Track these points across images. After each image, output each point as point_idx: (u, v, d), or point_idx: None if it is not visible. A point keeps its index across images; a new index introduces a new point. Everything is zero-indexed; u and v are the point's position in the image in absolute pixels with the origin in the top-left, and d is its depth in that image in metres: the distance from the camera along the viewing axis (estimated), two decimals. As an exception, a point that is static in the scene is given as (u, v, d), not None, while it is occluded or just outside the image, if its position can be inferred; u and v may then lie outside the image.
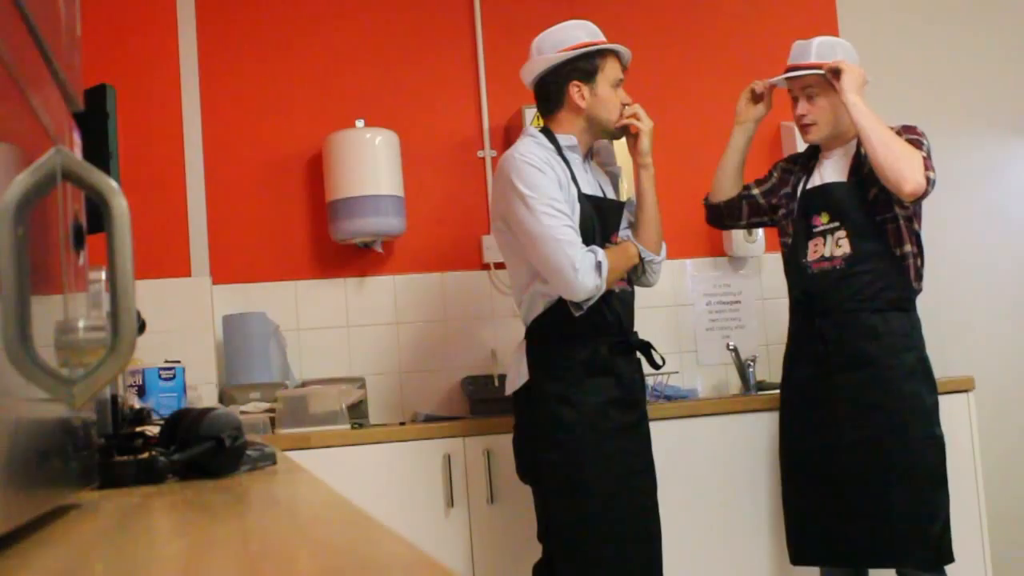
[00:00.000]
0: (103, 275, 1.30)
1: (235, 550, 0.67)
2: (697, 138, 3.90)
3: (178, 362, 2.88)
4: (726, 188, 3.19)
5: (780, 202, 3.12)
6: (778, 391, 3.19)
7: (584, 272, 2.60)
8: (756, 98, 3.13)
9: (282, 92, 3.76)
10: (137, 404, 2.19)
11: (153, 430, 1.44)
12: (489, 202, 3.85)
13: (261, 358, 3.41)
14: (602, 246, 2.70)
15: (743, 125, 3.15)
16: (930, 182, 2.74)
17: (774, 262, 3.47)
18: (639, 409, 2.83)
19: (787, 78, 2.99)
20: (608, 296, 2.71)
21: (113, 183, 0.76)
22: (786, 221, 3.07)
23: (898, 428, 2.82)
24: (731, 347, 3.81)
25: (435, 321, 3.77)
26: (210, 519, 0.89)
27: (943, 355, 3.60)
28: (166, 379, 2.79)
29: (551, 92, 2.83)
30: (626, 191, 3.16)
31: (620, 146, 3.08)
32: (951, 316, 4.05)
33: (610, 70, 2.82)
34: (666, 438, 3.06)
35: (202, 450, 1.26)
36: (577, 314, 2.67)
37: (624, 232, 2.91)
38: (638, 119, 2.84)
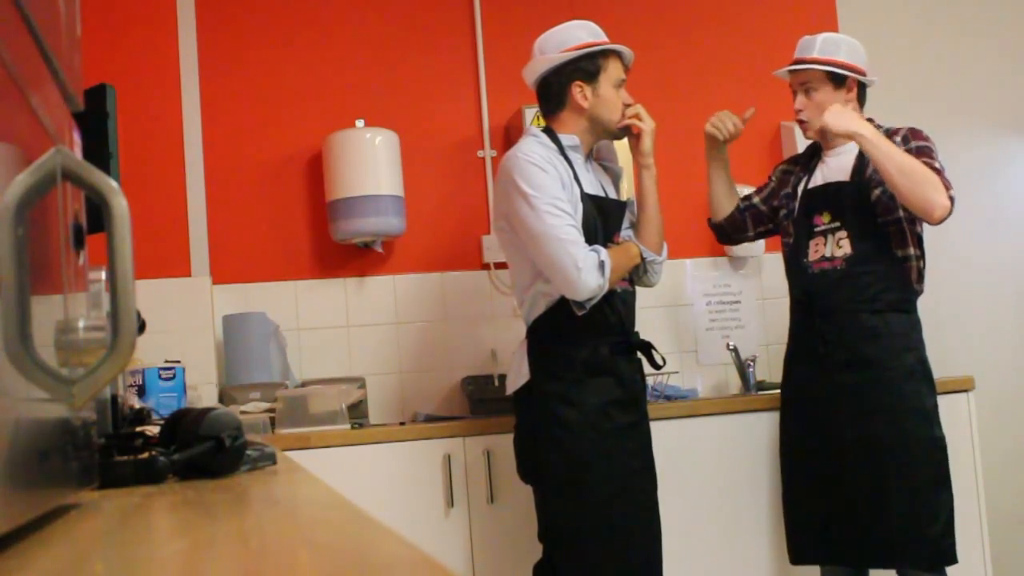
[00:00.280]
0: (103, 275, 1.30)
1: (235, 550, 0.67)
2: (697, 138, 3.89)
3: (178, 362, 2.88)
4: (722, 205, 3.20)
5: (780, 203, 3.12)
6: (778, 391, 3.19)
7: (587, 271, 2.60)
8: (717, 143, 3.10)
9: (282, 92, 3.76)
10: (137, 404, 2.19)
11: (153, 430, 1.44)
12: (490, 202, 3.85)
13: (261, 358, 3.41)
14: (604, 246, 2.70)
15: (714, 161, 3.14)
16: (953, 201, 2.74)
17: (774, 262, 3.47)
18: (640, 409, 2.83)
19: (789, 71, 2.99)
20: (610, 296, 2.71)
21: (113, 183, 0.76)
22: (787, 221, 3.07)
23: (898, 429, 2.82)
24: (731, 347, 3.81)
25: (435, 321, 3.77)
26: (210, 519, 0.89)
27: (943, 355, 3.60)
28: (166, 379, 2.80)
29: (553, 92, 2.84)
30: (626, 191, 3.16)
31: (621, 146, 3.08)
32: (951, 316, 4.05)
33: (613, 70, 2.82)
34: (666, 438, 3.06)
35: (202, 450, 1.26)
36: (580, 313, 2.67)
37: (626, 232, 2.91)
38: (640, 119, 2.85)
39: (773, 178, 3.21)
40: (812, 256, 2.96)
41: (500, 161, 2.85)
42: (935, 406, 2.90)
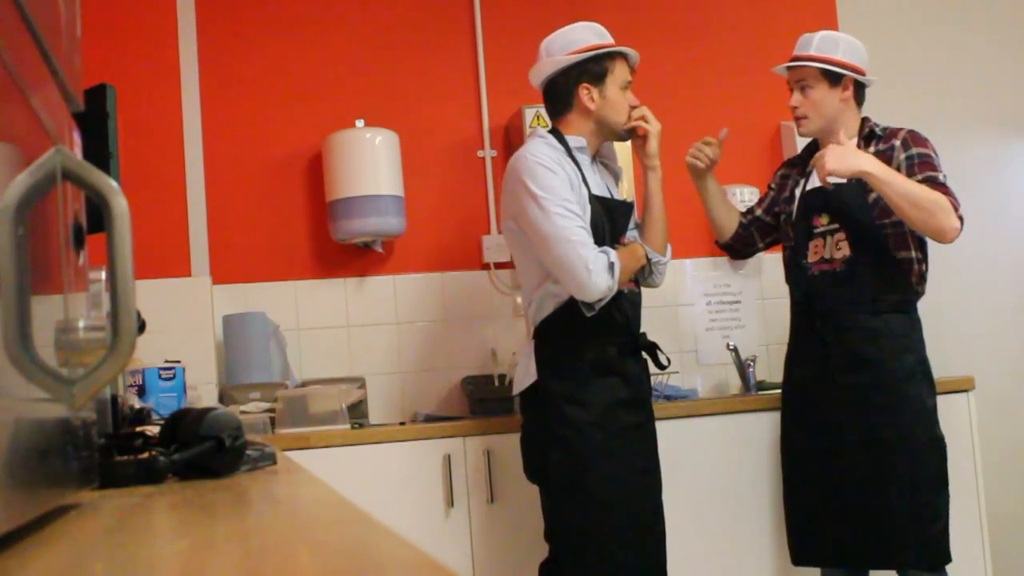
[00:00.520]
0: (103, 275, 1.30)
1: (235, 550, 0.67)
2: (696, 137, 3.89)
3: (178, 362, 2.88)
4: (725, 226, 3.20)
5: (780, 208, 3.12)
6: (778, 391, 3.19)
7: (598, 273, 2.61)
8: (701, 171, 3.10)
9: (282, 92, 3.76)
10: (137, 404, 2.19)
11: (153, 430, 1.44)
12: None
13: (261, 358, 3.41)
14: (612, 247, 2.72)
15: (703, 188, 3.14)
16: (962, 221, 2.74)
17: (774, 262, 3.47)
18: (646, 410, 2.86)
19: (786, 67, 3.00)
20: (618, 297, 2.72)
21: (113, 183, 0.76)
22: (786, 224, 3.07)
23: (899, 430, 2.82)
24: (731, 347, 3.81)
25: (435, 321, 3.77)
26: (210, 519, 0.89)
27: (943, 355, 3.59)
28: (166, 379, 2.79)
29: (560, 94, 2.85)
30: (625, 191, 3.17)
31: (621, 146, 3.09)
32: (951, 316, 4.05)
33: (619, 72, 2.84)
34: (666, 438, 3.05)
35: (202, 450, 1.26)
36: (589, 315, 2.68)
37: (631, 233, 2.92)
38: (646, 121, 2.86)
39: (772, 185, 3.21)
40: (811, 258, 2.96)
41: (508, 162, 2.85)
42: (935, 406, 2.90)
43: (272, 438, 2.97)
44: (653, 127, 2.86)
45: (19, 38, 0.77)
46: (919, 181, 2.76)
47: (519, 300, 2.98)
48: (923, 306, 2.98)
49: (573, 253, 2.62)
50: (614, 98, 2.83)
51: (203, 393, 3.31)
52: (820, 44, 2.93)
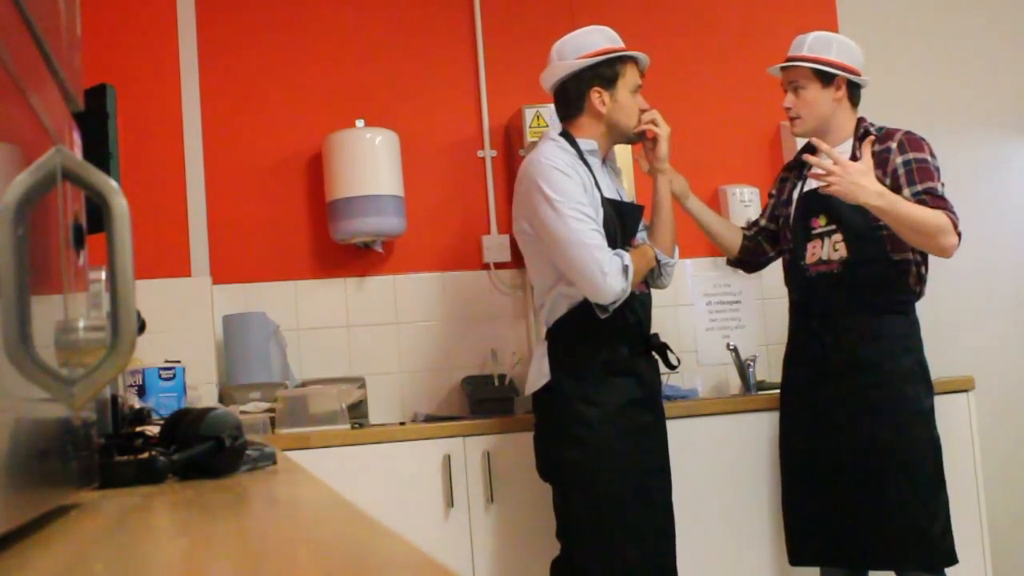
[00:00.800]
0: (103, 275, 1.30)
1: (235, 550, 0.67)
2: (696, 137, 3.90)
3: (178, 362, 2.88)
4: (729, 241, 3.22)
5: (780, 212, 3.12)
6: (778, 391, 3.19)
7: (613, 276, 2.65)
8: (679, 196, 3.11)
9: (282, 92, 3.76)
10: (137, 404, 2.19)
11: (153, 430, 1.44)
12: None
13: (261, 358, 3.41)
14: (624, 249, 2.75)
15: (690, 211, 3.16)
16: (960, 236, 2.75)
17: (774, 263, 3.47)
18: (657, 409, 2.90)
19: (780, 68, 3.00)
20: (630, 299, 2.76)
21: (113, 183, 0.76)
22: (784, 226, 3.07)
23: (897, 431, 2.82)
24: (731, 347, 3.81)
25: (435, 321, 3.77)
26: (210, 519, 0.89)
27: (943, 355, 3.59)
28: (166, 379, 2.79)
29: (572, 97, 2.87)
30: (625, 191, 3.17)
31: (620, 147, 3.09)
32: (951, 316, 4.05)
33: (630, 76, 2.87)
34: (666, 438, 3.06)
35: (202, 450, 1.26)
36: (603, 316, 2.72)
37: (639, 235, 2.95)
38: (656, 125, 2.89)
39: (772, 191, 3.21)
40: (809, 259, 2.96)
41: (520, 165, 2.89)
42: (932, 407, 2.90)
43: (272, 438, 2.97)
44: (663, 130, 2.90)
45: (19, 38, 0.77)
46: (919, 192, 2.76)
47: (535, 301, 3.00)
48: (923, 306, 2.98)
49: (588, 256, 2.65)
50: (625, 102, 2.86)
51: (203, 393, 3.30)
52: (813, 45, 2.94)
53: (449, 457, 3.13)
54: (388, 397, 3.67)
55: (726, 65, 4.10)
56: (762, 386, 3.73)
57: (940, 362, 3.29)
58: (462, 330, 3.78)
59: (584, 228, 2.68)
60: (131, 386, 2.73)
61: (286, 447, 2.85)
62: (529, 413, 3.27)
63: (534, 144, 3.46)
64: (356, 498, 0.90)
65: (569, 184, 2.72)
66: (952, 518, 2.87)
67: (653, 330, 2.95)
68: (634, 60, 2.89)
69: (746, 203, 3.95)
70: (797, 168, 3.10)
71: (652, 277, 2.94)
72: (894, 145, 2.86)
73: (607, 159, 2.99)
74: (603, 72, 2.84)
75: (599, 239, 2.68)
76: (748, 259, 3.24)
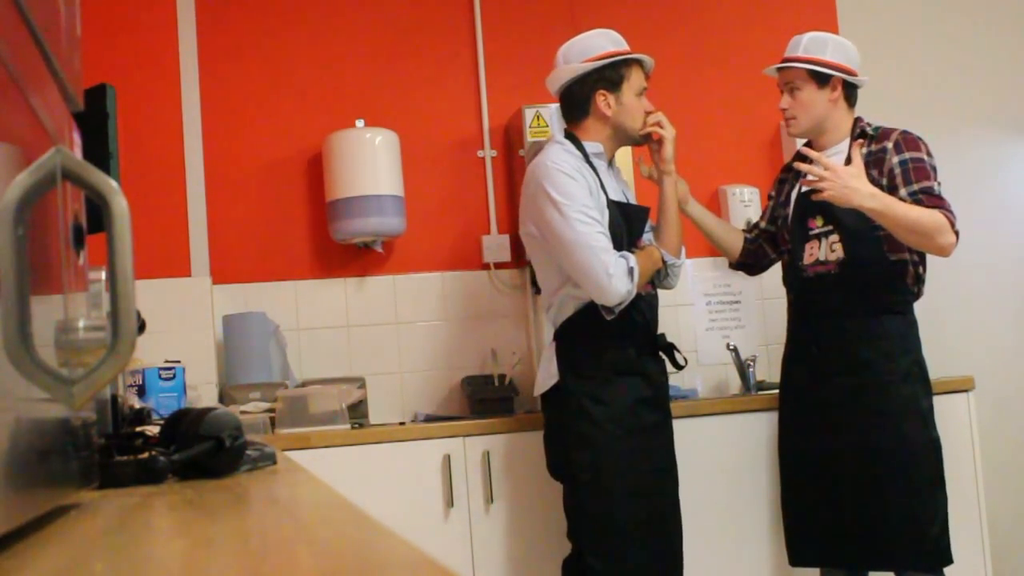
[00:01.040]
0: (103, 275, 1.30)
1: (235, 550, 0.67)
2: (696, 137, 3.90)
3: (178, 362, 2.88)
4: (729, 244, 3.23)
5: (779, 213, 3.13)
6: (778, 391, 3.19)
7: (618, 278, 2.67)
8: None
9: (282, 92, 3.76)
10: (137, 404, 2.19)
11: (153, 430, 1.44)
12: (491, 202, 3.85)
13: (261, 358, 3.41)
14: (629, 251, 2.77)
15: (691, 216, 3.18)
16: (958, 234, 2.74)
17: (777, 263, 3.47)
18: (665, 409, 2.92)
19: (776, 69, 3.00)
20: (636, 299, 2.78)
21: (113, 183, 0.76)
22: (783, 227, 3.07)
23: (895, 431, 2.82)
24: (731, 347, 3.81)
25: (435, 321, 3.77)
26: (210, 519, 0.89)
27: (943, 355, 3.60)
28: (166, 379, 2.80)
29: (577, 100, 2.89)
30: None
31: (621, 151, 3.10)
32: (951, 316, 4.05)
33: (635, 79, 2.89)
34: (666, 438, 3.06)
35: (202, 450, 1.26)
36: (609, 318, 2.74)
37: (646, 236, 2.97)
38: (661, 127, 2.91)
39: (771, 193, 3.22)
40: (807, 260, 2.96)
41: (528, 168, 2.90)
42: (931, 407, 2.90)
43: (272, 438, 2.97)
44: (668, 133, 2.91)
45: (19, 38, 0.77)
46: (915, 192, 2.76)
47: (543, 303, 3.02)
48: (923, 306, 2.98)
49: (594, 258, 2.68)
50: (630, 104, 2.88)
51: (203, 393, 3.31)
52: (808, 45, 2.94)
53: (449, 457, 3.13)
54: (388, 397, 3.67)
55: (726, 65, 4.10)
56: (762, 386, 3.73)
57: (940, 362, 3.30)
58: (462, 330, 3.78)
59: (589, 231, 2.70)
60: (131, 386, 2.73)
61: (286, 447, 2.85)
62: (529, 413, 3.27)
63: (534, 144, 3.47)
64: (356, 498, 0.90)
65: (575, 187, 2.74)
66: (952, 518, 2.87)
67: (656, 330, 2.96)
68: (639, 63, 2.91)
69: (746, 203, 3.96)
70: (795, 169, 3.10)
71: (659, 278, 2.96)
72: (890, 145, 2.85)
73: (613, 161, 3.00)
74: (608, 75, 2.86)
75: (604, 241, 2.70)
76: (750, 262, 3.25)
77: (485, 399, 3.53)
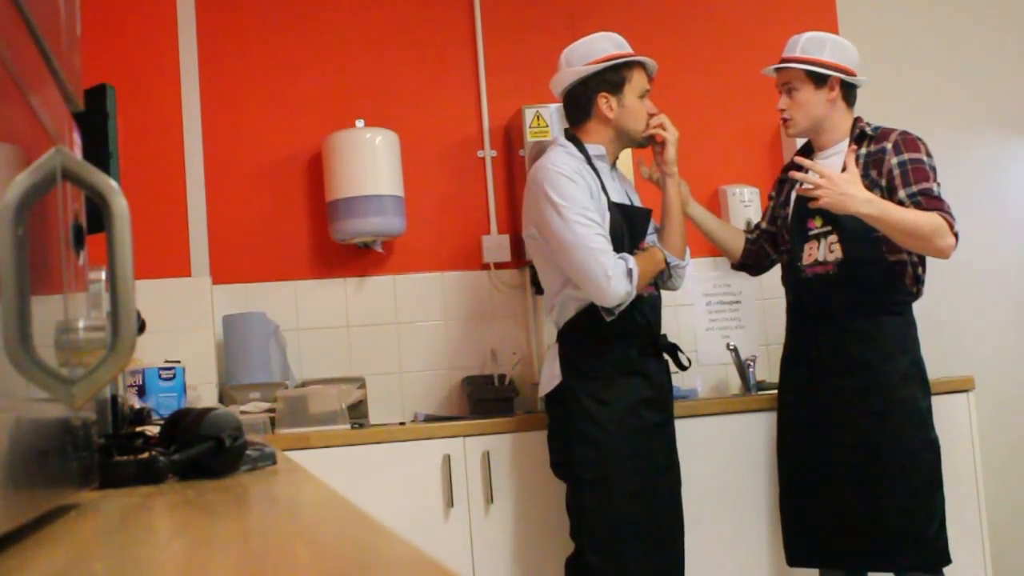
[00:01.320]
0: (103, 275, 1.30)
1: (235, 550, 0.67)
2: (696, 138, 3.90)
3: (178, 362, 2.88)
4: (730, 245, 3.25)
5: (779, 214, 3.13)
6: (777, 391, 3.19)
7: (616, 279, 2.69)
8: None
9: (282, 92, 3.76)
10: (137, 404, 2.19)
11: (153, 430, 1.44)
12: (491, 202, 3.85)
13: (261, 358, 3.41)
14: (631, 253, 2.78)
15: (692, 218, 3.19)
16: (957, 236, 2.74)
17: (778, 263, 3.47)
18: (667, 409, 2.93)
19: (774, 69, 3.00)
20: (638, 301, 2.80)
21: (113, 183, 0.76)
22: (782, 228, 3.07)
23: (894, 432, 2.82)
24: (731, 347, 3.81)
25: (435, 321, 3.77)
26: (210, 519, 0.89)
27: (943, 355, 3.60)
28: (166, 379, 2.80)
29: (580, 103, 2.91)
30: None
31: (622, 153, 3.10)
32: (951, 316, 4.05)
33: (637, 81, 2.90)
34: (666, 438, 3.05)
35: (202, 450, 1.26)
36: (609, 319, 2.76)
37: (650, 238, 2.97)
38: (664, 129, 2.93)
39: (772, 193, 3.22)
40: (806, 260, 2.96)
41: (530, 170, 2.92)
42: (929, 408, 2.90)
43: (272, 438, 2.97)
44: (671, 134, 2.93)
45: (19, 38, 0.77)
46: (914, 193, 2.76)
47: (545, 304, 3.04)
48: (922, 307, 2.97)
49: (593, 260, 2.69)
50: (632, 106, 2.89)
51: (203, 393, 3.30)
52: (806, 45, 2.94)
53: (449, 457, 3.13)
54: (388, 397, 3.67)
55: (726, 65, 4.10)
56: (762, 386, 3.73)
57: (940, 362, 3.29)
58: (462, 330, 3.78)
59: (589, 232, 2.71)
60: (131, 386, 2.73)
61: (286, 447, 2.85)
62: (529, 413, 3.27)
63: (534, 144, 3.48)
64: (356, 498, 0.90)
65: (575, 189, 2.75)
66: (952, 518, 2.88)
67: (656, 331, 2.96)
68: (642, 65, 2.92)
69: (746, 203, 3.95)
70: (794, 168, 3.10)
71: (663, 279, 2.97)
72: (889, 145, 2.85)
73: (616, 164, 3.01)
74: (610, 78, 2.87)
75: (603, 243, 2.72)
76: (752, 262, 3.25)
77: (485, 399, 3.53)
